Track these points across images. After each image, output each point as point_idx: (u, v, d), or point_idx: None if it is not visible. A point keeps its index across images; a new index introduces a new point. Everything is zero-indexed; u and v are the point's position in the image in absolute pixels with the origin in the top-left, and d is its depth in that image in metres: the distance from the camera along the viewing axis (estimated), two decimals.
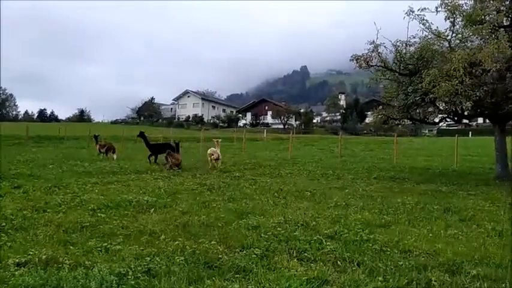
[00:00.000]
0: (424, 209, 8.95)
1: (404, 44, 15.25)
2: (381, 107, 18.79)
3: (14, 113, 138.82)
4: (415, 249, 5.68)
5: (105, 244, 5.56)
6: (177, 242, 5.65)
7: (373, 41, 14.97)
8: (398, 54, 15.20)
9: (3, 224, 6.57)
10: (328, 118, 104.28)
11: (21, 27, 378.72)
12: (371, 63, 15.23)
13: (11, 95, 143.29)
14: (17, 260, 4.78)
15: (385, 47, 15.17)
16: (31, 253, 5.03)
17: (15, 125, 63.00)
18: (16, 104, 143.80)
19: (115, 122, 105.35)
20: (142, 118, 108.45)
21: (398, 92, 15.97)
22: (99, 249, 5.39)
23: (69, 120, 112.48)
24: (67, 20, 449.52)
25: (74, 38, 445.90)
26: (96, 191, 10.29)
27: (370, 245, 5.83)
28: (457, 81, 12.84)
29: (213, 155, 16.91)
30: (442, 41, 15.02)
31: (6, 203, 8.44)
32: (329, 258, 5.19)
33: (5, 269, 4.58)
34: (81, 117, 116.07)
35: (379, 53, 15.03)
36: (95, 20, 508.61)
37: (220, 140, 18.90)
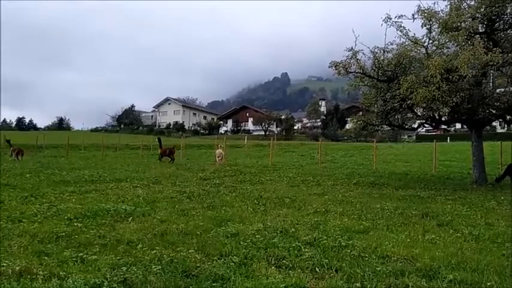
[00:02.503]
0: (402, 214, 9.02)
1: (382, 51, 15.45)
2: (360, 113, 19.00)
3: None
4: (393, 254, 5.71)
5: (81, 254, 5.45)
6: (154, 251, 5.58)
7: (352, 48, 15.14)
8: (376, 60, 15.38)
9: None
10: (309, 124, 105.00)
11: None
12: (350, 70, 15.38)
13: None
14: None
15: (363, 53, 15.35)
16: (4, 265, 4.90)
17: None
18: None
19: (95, 130, 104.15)
20: (122, 126, 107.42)
21: (377, 98, 16.18)
22: (75, 259, 5.28)
23: (48, 128, 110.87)
24: (45, 25, 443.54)
25: (53, 44, 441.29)
26: (74, 200, 10.10)
27: (349, 251, 5.84)
28: (434, 87, 13.05)
29: (219, 156, 24.81)
30: (419, 48, 15.27)
31: None
32: (307, 265, 5.18)
33: None
34: (60, 125, 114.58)
35: (357, 59, 15.18)
36: (74, 25, 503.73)
37: (222, 145, 27.89)
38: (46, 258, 5.33)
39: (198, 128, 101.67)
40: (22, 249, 5.78)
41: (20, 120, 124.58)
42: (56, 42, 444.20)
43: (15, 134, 69.94)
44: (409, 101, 13.92)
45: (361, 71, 15.49)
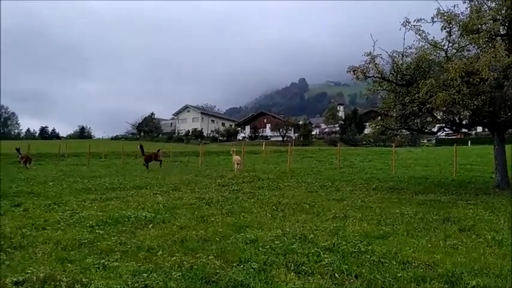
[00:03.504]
0: (422, 219, 8.92)
1: (400, 55, 15.30)
2: (379, 117, 18.82)
3: (16, 131, 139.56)
4: (414, 260, 5.66)
5: (103, 261, 5.55)
6: (174, 258, 5.64)
7: (370, 53, 15.01)
8: (395, 65, 15.24)
9: (2, 242, 6.55)
10: (327, 130, 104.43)
11: (21, 46, 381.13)
12: (368, 75, 15.25)
13: (13, 113, 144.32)
14: (14, 279, 4.77)
15: (381, 58, 15.21)
16: (29, 271, 5.02)
17: (17, 143, 62.92)
18: (18, 122, 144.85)
19: (115, 138, 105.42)
20: (142, 133, 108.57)
21: (396, 103, 16.01)
22: (97, 266, 5.38)
23: (70, 137, 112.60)
24: (64, 37, 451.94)
25: (72, 56, 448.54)
26: (95, 207, 10.28)
27: (368, 256, 5.81)
28: (454, 91, 12.88)
29: (238, 163, 24.16)
30: (438, 51, 15.08)
31: (5, 221, 8.42)
32: (327, 271, 5.17)
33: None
34: (82, 134, 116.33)
35: (375, 64, 15.06)
36: (94, 38, 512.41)
37: (235, 149, 27.21)
38: (69, 265, 5.45)
39: (217, 135, 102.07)
40: (46, 256, 5.91)
41: (43, 130, 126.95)
42: (75, 54, 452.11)
43: (39, 142, 71.34)
44: (428, 105, 13.76)
45: (380, 76, 15.37)
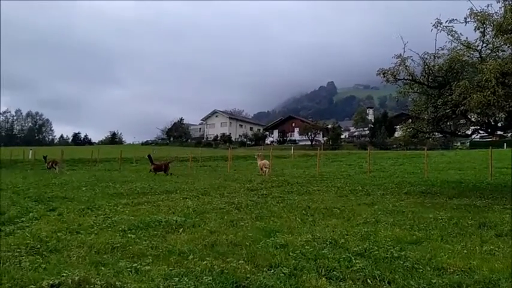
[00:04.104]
0: (457, 224, 8.68)
1: (432, 56, 15.00)
2: (410, 120, 18.47)
3: (50, 137, 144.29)
4: (449, 266, 5.51)
5: (135, 265, 5.61)
6: (205, 262, 5.66)
7: (400, 55, 14.79)
8: (426, 66, 14.96)
9: (39, 246, 6.71)
10: (356, 133, 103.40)
11: (53, 55, 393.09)
12: (398, 77, 15.03)
13: (47, 120, 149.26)
14: (50, 282, 4.85)
15: (412, 60, 14.96)
16: (64, 274, 5.11)
17: (51, 149, 64.76)
18: (52, 128, 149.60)
19: (145, 143, 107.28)
20: (171, 138, 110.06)
21: (428, 105, 15.71)
22: (129, 269, 5.44)
23: (101, 143, 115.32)
24: (92, 44, 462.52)
25: (100, 63, 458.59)
26: (127, 211, 10.44)
27: (401, 262, 5.69)
28: (489, 92, 12.53)
29: (266, 167, 24.65)
30: (472, 52, 14.70)
31: (41, 225, 8.63)
32: (359, 277, 5.09)
33: None
34: (113, 139, 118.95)
35: (406, 66, 14.83)
36: (120, 44, 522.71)
37: (260, 154, 28.24)
38: (103, 268, 5.53)
39: (245, 139, 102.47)
40: (80, 259, 6.03)
41: (75, 136, 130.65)
42: (103, 61, 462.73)
43: (72, 148, 73.24)
44: (462, 107, 13.43)
45: (411, 78, 15.12)
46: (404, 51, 14.84)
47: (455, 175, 23.51)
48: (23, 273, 5.19)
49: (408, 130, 17.44)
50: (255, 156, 28.52)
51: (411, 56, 14.93)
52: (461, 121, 16.56)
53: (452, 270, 5.38)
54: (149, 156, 29.31)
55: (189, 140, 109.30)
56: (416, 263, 5.63)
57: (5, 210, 10.35)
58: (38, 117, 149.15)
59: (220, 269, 5.35)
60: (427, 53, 14.98)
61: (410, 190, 15.74)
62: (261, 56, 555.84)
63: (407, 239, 7.21)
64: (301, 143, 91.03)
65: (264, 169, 24.58)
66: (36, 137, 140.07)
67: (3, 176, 23.66)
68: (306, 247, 6.48)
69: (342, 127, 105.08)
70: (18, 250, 6.40)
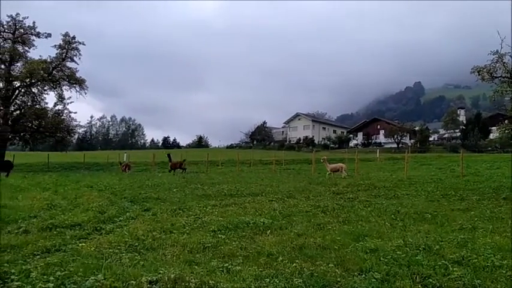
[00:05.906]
0: None
1: None
2: (507, 121, 17.19)
3: (142, 141, 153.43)
4: None
5: (226, 265, 5.78)
6: (294, 264, 5.69)
7: (497, 51, 13.85)
8: None
9: (136, 244, 7.16)
10: (446, 135, 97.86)
11: (140, 63, 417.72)
12: (495, 75, 14.10)
13: (140, 124, 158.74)
14: (149, 278, 5.14)
15: (510, 56, 13.96)
16: (161, 272, 5.38)
17: (143, 152, 68.83)
18: (144, 133, 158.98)
19: (230, 147, 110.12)
20: (255, 142, 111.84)
21: None
22: (221, 269, 5.62)
23: (189, 146, 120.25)
24: (178, 51, 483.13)
25: (186, 68, 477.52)
26: (216, 213, 10.76)
27: (504, 271, 5.32)
28: None
29: (339, 170, 24.89)
30: None
31: (137, 224, 9.19)
32: (457, 285, 4.84)
33: (139, 286, 4.96)
34: (200, 143, 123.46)
35: (504, 63, 13.86)
36: (206, 52, 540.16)
37: (326, 157, 28.38)
38: (196, 267, 5.76)
39: (328, 142, 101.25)
40: (175, 258, 6.33)
41: (165, 140, 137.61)
42: (188, 67, 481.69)
43: (162, 152, 77.09)
44: None
45: (509, 75, 14.08)
46: (501, 47, 13.89)
47: None
48: (124, 269, 5.55)
49: (506, 131, 16.26)
50: (321, 161, 28.11)
51: (509, 52, 13.94)
52: None
53: None
54: (168, 155, 34.50)
55: (271, 143, 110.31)
56: None
57: (105, 209, 11.18)
58: (131, 122, 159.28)
59: (310, 271, 5.36)
60: None
61: (510, 195, 14.59)
62: (345, 58, 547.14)
63: (509, 247, 6.71)
64: (386, 146, 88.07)
65: (344, 172, 24.66)
66: (130, 141, 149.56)
67: (102, 177, 25.54)
68: (398, 252, 6.28)
69: (430, 129, 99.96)
70: (118, 247, 6.88)
